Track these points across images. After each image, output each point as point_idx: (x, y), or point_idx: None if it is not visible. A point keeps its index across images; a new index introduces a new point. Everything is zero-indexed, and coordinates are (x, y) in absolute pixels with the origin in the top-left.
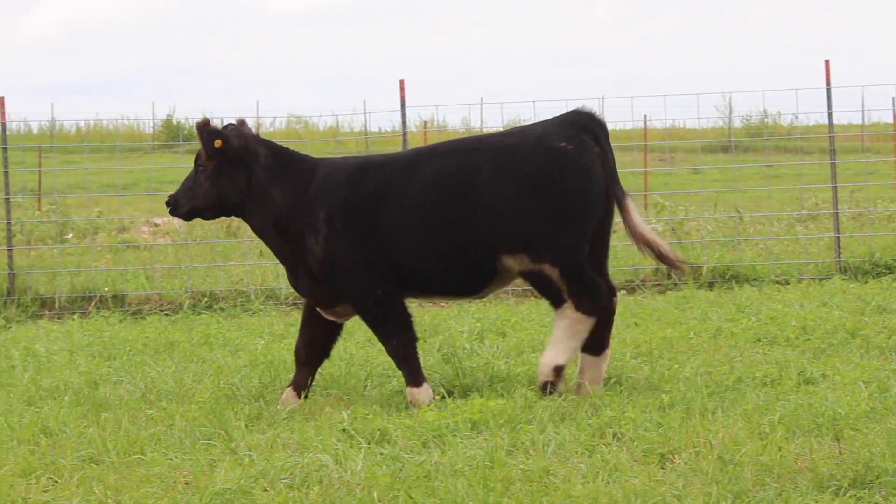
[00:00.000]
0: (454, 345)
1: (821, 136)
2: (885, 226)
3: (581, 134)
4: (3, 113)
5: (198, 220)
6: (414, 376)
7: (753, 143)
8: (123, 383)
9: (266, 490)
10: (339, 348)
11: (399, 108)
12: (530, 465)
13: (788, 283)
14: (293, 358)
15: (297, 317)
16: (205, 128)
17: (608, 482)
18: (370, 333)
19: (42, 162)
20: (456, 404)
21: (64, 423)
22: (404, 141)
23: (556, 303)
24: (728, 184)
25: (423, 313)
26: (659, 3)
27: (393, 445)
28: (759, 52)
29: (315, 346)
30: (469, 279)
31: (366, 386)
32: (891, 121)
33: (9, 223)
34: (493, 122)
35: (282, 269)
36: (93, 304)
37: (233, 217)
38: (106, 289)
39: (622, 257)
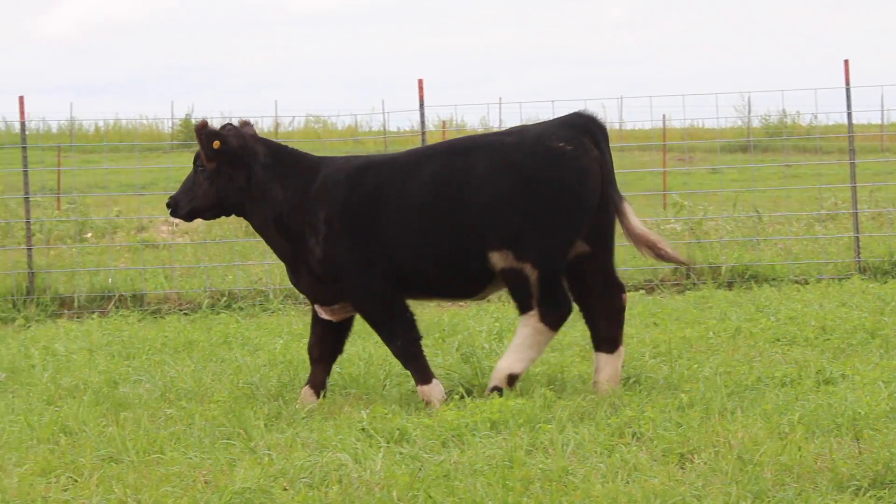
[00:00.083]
0: (473, 344)
1: (840, 136)
2: None
3: (581, 136)
4: (23, 112)
5: (218, 220)
6: (423, 374)
7: (772, 142)
8: (143, 382)
9: (285, 489)
10: (358, 347)
11: (418, 107)
12: (549, 465)
13: (808, 283)
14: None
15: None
16: (203, 130)
17: (627, 482)
18: None
19: (61, 161)
20: (475, 404)
21: (83, 422)
22: (423, 141)
23: (524, 307)
24: (747, 183)
25: (442, 313)
26: (677, 2)
27: (412, 445)
28: (778, 51)
29: (327, 342)
30: (467, 280)
31: (385, 385)
32: None
33: (28, 222)
34: (512, 121)
35: None
36: (112, 303)
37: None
38: (125, 291)
39: (640, 257)
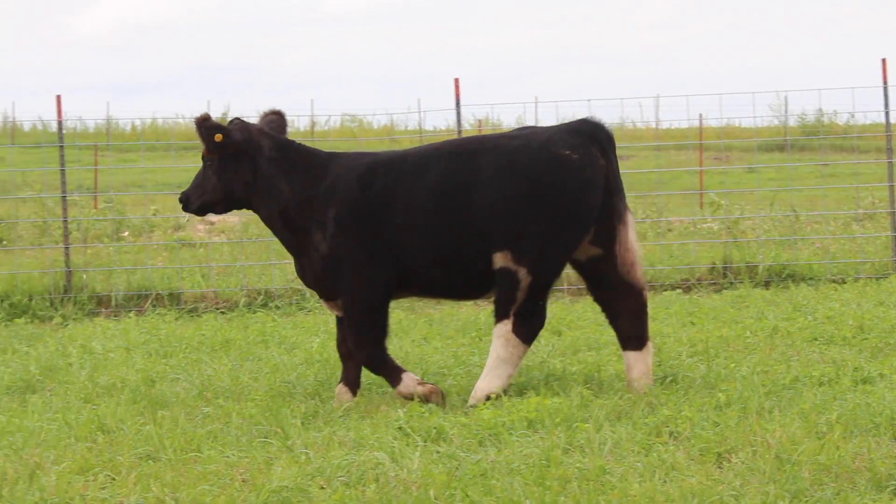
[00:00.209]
0: None
1: (877, 135)
2: None
3: (588, 144)
4: (60, 111)
5: (254, 218)
6: (393, 377)
7: (809, 141)
8: (180, 381)
9: (322, 488)
10: (395, 347)
11: (454, 106)
12: (587, 464)
13: (845, 283)
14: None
15: None
16: (203, 123)
17: (665, 481)
18: (425, 332)
19: (98, 160)
20: (512, 403)
21: (121, 421)
22: None
23: (501, 314)
24: (784, 183)
25: (479, 312)
26: (714, 1)
27: (449, 443)
28: (815, 50)
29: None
30: (472, 281)
31: None
32: None
33: (65, 221)
34: (548, 121)
35: None
36: (149, 301)
37: None
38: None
39: (678, 256)
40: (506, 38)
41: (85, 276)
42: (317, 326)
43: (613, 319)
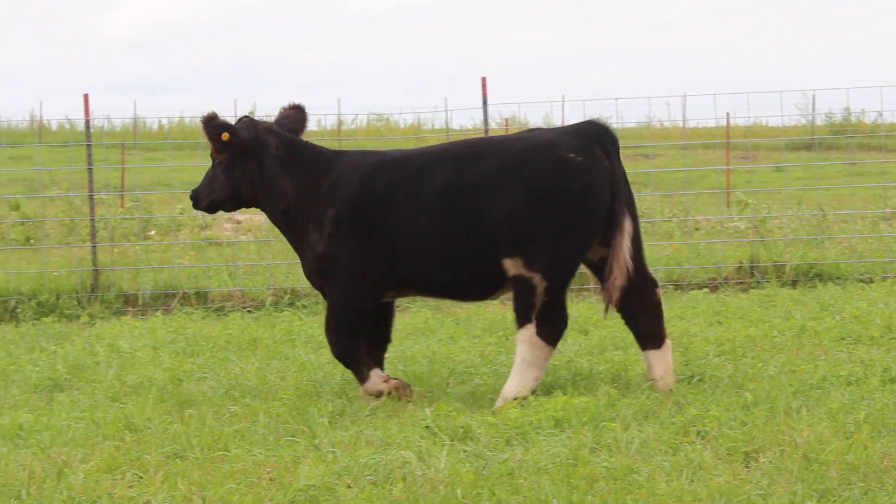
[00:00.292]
0: None
1: None
2: None
3: (592, 146)
4: (88, 110)
5: None
6: (362, 374)
7: (837, 140)
8: (207, 380)
9: (349, 487)
10: (422, 346)
11: (481, 105)
12: (614, 463)
13: (873, 282)
14: None
15: None
16: (210, 122)
17: (692, 480)
18: (452, 331)
19: (125, 159)
20: (539, 402)
21: (148, 420)
22: None
23: (522, 320)
24: (811, 182)
25: (506, 311)
26: (741, 0)
27: (476, 443)
28: (843, 48)
29: (372, 333)
30: (477, 283)
31: (449, 383)
32: None
33: (93, 220)
34: (575, 119)
35: None
36: (176, 300)
37: None
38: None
39: (705, 255)
40: (533, 37)
41: (112, 275)
42: None
43: (629, 320)
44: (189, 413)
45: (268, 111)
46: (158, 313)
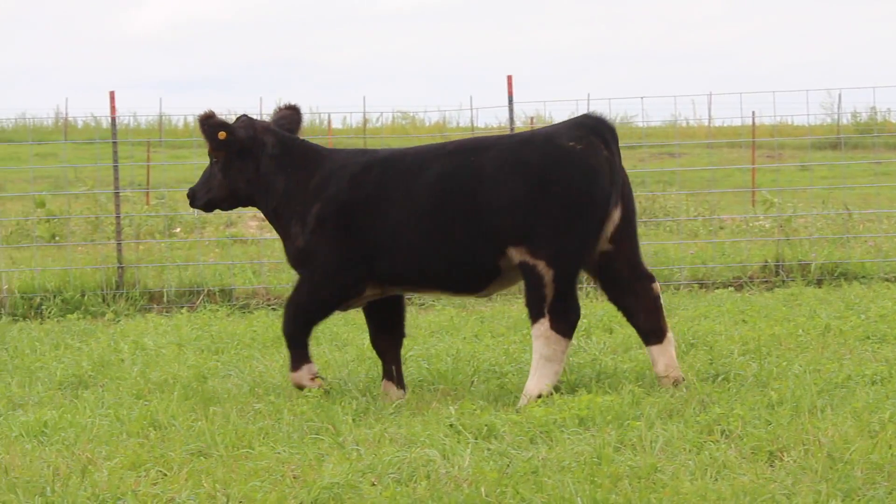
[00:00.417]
0: None
1: None
2: None
3: (591, 136)
4: (113, 108)
5: None
6: (298, 363)
7: (862, 139)
8: (231, 377)
9: (373, 484)
10: (446, 344)
11: (506, 103)
12: (638, 462)
13: None
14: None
15: None
16: (207, 121)
17: (716, 479)
18: (477, 329)
19: (150, 156)
20: (563, 400)
21: (173, 417)
22: None
23: (536, 314)
24: (837, 181)
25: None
26: None
27: (500, 441)
28: (869, 47)
29: (387, 331)
30: (471, 277)
31: (473, 381)
32: None
33: (118, 217)
34: None
35: None
36: (200, 298)
37: None
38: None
39: (730, 254)
40: (558, 36)
41: (137, 272)
42: None
43: (630, 317)
44: (213, 410)
45: None
46: (183, 310)
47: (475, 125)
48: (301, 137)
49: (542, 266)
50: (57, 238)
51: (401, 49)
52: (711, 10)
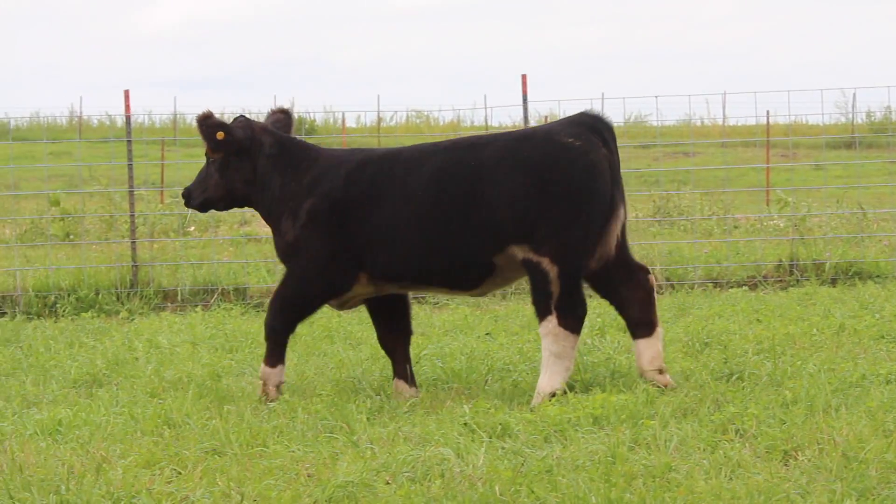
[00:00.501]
0: None
1: None
2: None
3: (589, 133)
4: (128, 106)
5: None
6: (272, 359)
7: (877, 138)
8: (245, 376)
9: (388, 483)
10: (460, 342)
11: (521, 102)
12: (652, 461)
13: None
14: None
15: (417, 310)
16: (205, 121)
17: (731, 479)
18: (491, 327)
19: (165, 155)
20: (577, 399)
21: (187, 415)
22: None
23: (543, 312)
24: (851, 180)
25: None
26: None
27: (514, 440)
28: (883, 46)
29: (394, 329)
30: (466, 274)
31: (487, 380)
32: None
33: (132, 216)
34: (615, 117)
35: None
36: (215, 296)
37: None
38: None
39: (744, 253)
40: (573, 35)
41: (151, 271)
42: None
43: (623, 310)
44: (227, 409)
45: (307, 107)
46: (197, 309)
47: (489, 124)
48: (297, 137)
49: (546, 263)
50: (71, 237)
51: (415, 48)
52: (726, 9)
